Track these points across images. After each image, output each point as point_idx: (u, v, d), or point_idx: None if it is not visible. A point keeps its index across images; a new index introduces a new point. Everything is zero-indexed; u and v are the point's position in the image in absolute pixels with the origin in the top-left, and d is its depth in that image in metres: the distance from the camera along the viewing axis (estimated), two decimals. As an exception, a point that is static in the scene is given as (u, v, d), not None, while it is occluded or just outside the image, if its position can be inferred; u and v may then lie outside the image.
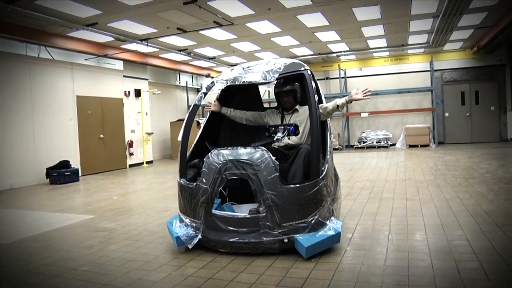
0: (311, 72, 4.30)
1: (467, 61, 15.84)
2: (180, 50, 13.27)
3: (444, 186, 6.60)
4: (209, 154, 3.89)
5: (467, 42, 14.52)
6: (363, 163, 10.95)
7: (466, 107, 15.98)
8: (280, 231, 3.57)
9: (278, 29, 11.23)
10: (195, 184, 3.90)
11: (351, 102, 4.17)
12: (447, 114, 16.20)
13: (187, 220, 4.00)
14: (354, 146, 16.36)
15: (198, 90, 19.11)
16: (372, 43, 14.09)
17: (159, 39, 11.56)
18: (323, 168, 3.84)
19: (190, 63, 16.12)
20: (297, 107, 4.58)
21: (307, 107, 4.28)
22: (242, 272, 3.30)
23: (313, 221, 3.62)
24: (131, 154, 13.61)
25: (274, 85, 4.64)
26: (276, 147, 4.42)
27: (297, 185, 3.65)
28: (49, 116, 10.69)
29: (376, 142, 16.01)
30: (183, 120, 16.88)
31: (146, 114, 14.54)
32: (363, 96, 4.06)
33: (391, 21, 10.96)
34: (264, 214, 3.60)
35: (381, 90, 16.00)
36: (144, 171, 12.33)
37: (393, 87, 16.11)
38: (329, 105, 4.24)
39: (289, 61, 4.35)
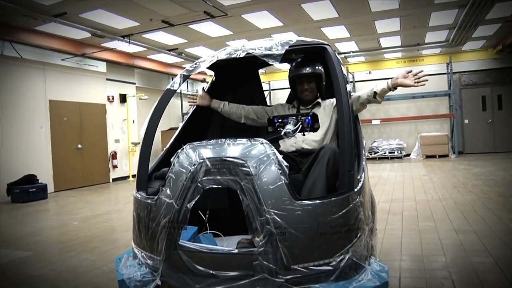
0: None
1: (489, 62, 14.30)
2: (169, 50, 11.81)
3: (498, 210, 5.04)
4: (179, 151, 2.46)
5: (490, 40, 13.00)
6: (380, 177, 9.39)
7: (487, 113, 14.43)
8: (288, 277, 2.08)
9: (280, 22, 9.75)
10: (155, 198, 2.43)
11: (395, 88, 2.75)
12: (466, 121, 14.65)
13: (141, 256, 2.50)
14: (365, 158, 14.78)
15: (193, 97, 17.62)
16: (384, 42, 12.60)
17: (144, 36, 10.09)
18: (359, 177, 2.39)
19: (183, 66, 14.63)
20: (319, 100, 3.18)
21: (331, 101, 3.02)
22: None
23: (342, 263, 2.15)
24: (114, 166, 12.07)
25: (289, 69, 3.23)
26: (284, 151, 2.96)
27: (318, 201, 2.18)
28: (15, 123, 9.16)
29: (389, 153, 14.45)
30: (175, 128, 15.36)
31: (133, 122, 13.01)
32: (416, 82, 2.67)
33: (410, 13, 9.45)
34: (262, 248, 2.10)
35: (393, 95, 14.32)
36: (129, 186, 10.80)
37: (406, 92, 14.47)
38: (363, 93, 2.84)
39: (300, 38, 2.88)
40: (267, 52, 2.59)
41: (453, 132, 14.16)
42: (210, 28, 9.93)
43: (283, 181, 2.18)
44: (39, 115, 9.80)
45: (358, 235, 2.23)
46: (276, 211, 2.12)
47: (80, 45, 10.26)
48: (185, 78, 2.95)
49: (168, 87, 2.94)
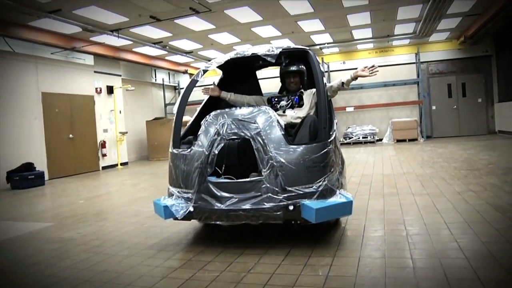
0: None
1: (453, 52, 15.35)
2: (154, 43, 12.38)
3: (450, 179, 5.94)
4: (207, 116, 3.49)
5: (453, 32, 14.02)
6: (353, 158, 10.27)
7: (453, 100, 15.51)
8: (285, 195, 3.10)
9: (259, 17, 10.46)
10: (189, 149, 3.45)
11: (356, 78, 3.74)
12: (434, 107, 15.70)
13: (177, 192, 3.47)
14: (340, 142, 15.65)
15: (175, 88, 18.21)
16: (357, 34, 13.45)
17: (131, 30, 10.66)
18: (331, 133, 3.43)
19: (166, 58, 15.23)
20: (302, 90, 4.15)
21: (311, 90, 4.04)
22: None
23: (321, 188, 3.16)
24: (104, 155, 12.64)
25: (280, 68, 4.27)
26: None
27: (304, 145, 3.25)
28: (10, 114, 9.66)
29: (363, 138, 15.38)
30: (160, 118, 15.96)
31: (120, 112, 13.57)
32: (370, 73, 3.66)
33: (379, 8, 10.31)
34: (268, 176, 3.13)
35: (366, 84, 15.28)
36: (118, 173, 11.41)
37: (378, 80, 15.31)
38: (334, 83, 3.82)
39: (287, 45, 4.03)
40: (267, 52, 3.66)
41: (421, 117, 15.18)
42: (194, 23, 10.55)
43: (281, 133, 3.23)
44: (33, 106, 10.31)
45: (332, 170, 3.27)
46: (276, 151, 3.13)
47: (69, 39, 10.77)
48: (204, 72, 3.91)
49: (193, 78, 3.89)
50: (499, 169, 6.58)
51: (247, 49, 3.85)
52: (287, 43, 13.54)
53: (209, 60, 16.17)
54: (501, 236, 3.16)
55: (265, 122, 3.25)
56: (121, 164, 13.18)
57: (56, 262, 3.38)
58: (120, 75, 13.79)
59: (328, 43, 14.46)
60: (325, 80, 3.76)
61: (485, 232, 3.28)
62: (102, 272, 3.05)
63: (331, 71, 16.44)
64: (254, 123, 3.26)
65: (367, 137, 15.33)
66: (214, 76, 10.16)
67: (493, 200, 4.37)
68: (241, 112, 3.38)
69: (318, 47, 14.78)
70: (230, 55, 3.88)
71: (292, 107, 3.94)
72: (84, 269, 3.16)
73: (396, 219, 3.95)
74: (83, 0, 8.13)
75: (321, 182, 3.15)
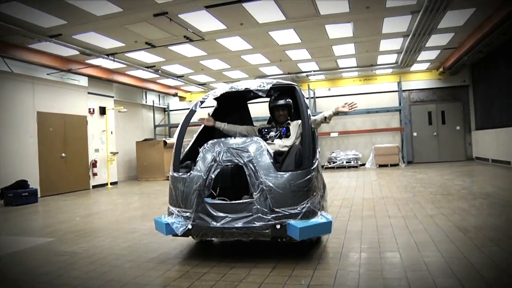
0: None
1: (433, 82, 16.15)
2: (147, 67, 12.86)
3: (425, 203, 6.43)
4: (205, 144, 3.94)
5: (433, 63, 14.83)
6: (336, 182, 10.75)
7: (433, 127, 16.22)
8: (272, 215, 3.53)
9: (249, 46, 11.04)
10: (189, 173, 3.88)
11: (337, 114, 4.30)
12: (415, 134, 16.37)
13: (177, 211, 3.89)
14: (324, 167, 16.18)
15: (164, 110, 18.62)
16: (342, 63, 14.12)
17: (126, 54, 11.14)
18: (314, 161, 3.87)
19: (157, 81, 15.71)
20: (289, 121, 4.64)
21: (297, 121, 4.51)
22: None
23: (304, 209, 3.60)
24: (94, 174, 12.92)
25: (269, 101, 4.72)
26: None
27: (290, 172, 3.70)
28: (6, 132, 9.98)
29: (346, 162, 15.92)
30: (149, 139, 16.34)
31: (111, 133, 13.92)
32: (349, 109, 4.24)
33: (362, 40, 10.99)
34: (258, 199, 3.55)
35: (350, 110, 15.87)
36: (109, 192, 11.69)
37: (362, 107, 16.03)
38: (317, 117, 4.33)
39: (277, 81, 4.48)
40: (258, 88, 4.14)
41: (403, 143, 15.83)
42: (187, 49, 11.08)
43: (270, 161, 3.69)
44: (28, 125, 10.63)
45: (314, 194, 3.72)
46: (266, 177, 3.57)
47: (66, 61, 11.19)
48: (201, 103, 4.37)
49: (191, 108, 4.36)
50: (470, 194, 7.10)
51: (241, 84, 4.32)
52: (275, 70, 14.21)
53: (199, 84, 16.67)
54: (460, 252, 3.63)
55: (256, 151, 3.73)
56: (111, 183, 13.45)
57: (65, 273, 3.73)
58: (112, 97, 14.20)
59: (314, 71, 15.13)
60: (309, 112, 4.26)
61: (447, 249, 3.74)
62: (109, 281, 3.41)
63: (317, 97, 17.07)
64: (247, 151, 3.72)
65: (350, 162, 15.87)
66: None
67: (460, 222, 4.85)
68: (235, 141, 3.85)
69: (304, 74, 15.44)
70: (225, 88, 4.35)
71: (280, 137, 4.46)
72: (92, 278, 3.52)
73: (372, 238, 4.39)
74: (84, 26, 8.59)
75: (304, 204, 3.59)
